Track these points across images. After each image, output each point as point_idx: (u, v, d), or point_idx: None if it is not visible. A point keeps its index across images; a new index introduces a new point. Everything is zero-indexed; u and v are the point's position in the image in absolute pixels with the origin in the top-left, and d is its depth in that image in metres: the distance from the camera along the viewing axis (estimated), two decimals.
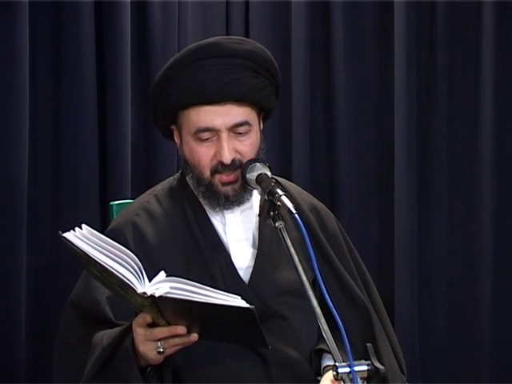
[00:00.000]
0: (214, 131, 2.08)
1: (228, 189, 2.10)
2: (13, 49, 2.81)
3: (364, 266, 2.29)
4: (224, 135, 2.07)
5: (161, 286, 1.79)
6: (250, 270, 2.12)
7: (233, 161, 2.08)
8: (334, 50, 3.26)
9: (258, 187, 2.06)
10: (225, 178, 2.09)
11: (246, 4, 3.24)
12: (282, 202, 1.92)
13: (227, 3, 3.22)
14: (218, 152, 2.08)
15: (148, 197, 2.23)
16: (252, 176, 2.07)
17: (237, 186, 2.10)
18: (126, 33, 2.97)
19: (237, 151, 2.09)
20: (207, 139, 2.09)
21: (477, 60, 3.25)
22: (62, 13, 2.94)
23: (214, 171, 2.09)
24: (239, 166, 2.08)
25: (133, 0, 3.02)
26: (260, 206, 2.18)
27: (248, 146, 2.10)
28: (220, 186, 2.10)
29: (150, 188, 2.29)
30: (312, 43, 3.28)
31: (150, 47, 3.05)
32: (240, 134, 2.09)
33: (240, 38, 2.20)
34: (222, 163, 2.08)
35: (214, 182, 2.10)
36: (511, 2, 3.24)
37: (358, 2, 3.29)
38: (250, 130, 2.11)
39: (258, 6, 3.24)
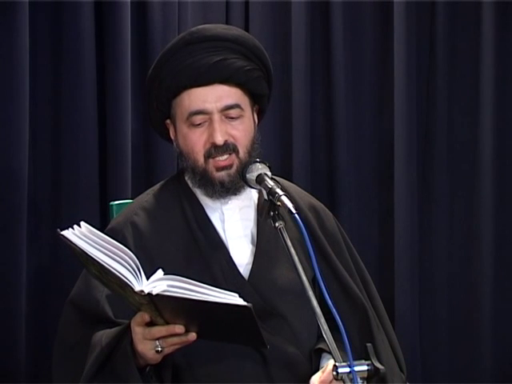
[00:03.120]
0: (206, 114, 2.10)
1: (223, 174, 2.11)
2: (13, 49, 2.81)
3: (363, 266, 2.29)
4: (216, 117, 2.09)
5: (158, 284, 1.79)
6: (250, 266, 2.13)
7: (225, 143, 2.09)
8: (334, 49, 3.26)
9: (258, 187, 2.06)
10: (219, 162, 2.10)
11: (246, 4, 3.25)
12: (281, 201, 1.93)
13: (227, 3, 3.22)
14: (211, 135, 2.09)
15: (147, 196, 2.23)
16: (252, 176, 2.07)
17: (232, 171, 2.11)
18: (126, 33, 2.97)
19: (230, 135, 2.11)
20: (200, 124, 2.11)
21: (477, 60, 3.25)
22: (62, 13, 2.94)
23: (208, 156, 2.11)
24: (233, 150, 2.10)
25: (133, 0, 3.03)
26: (260, 205, 2.19)
27: (241, 130, 2.12)
28: (215, 172, 2.11)
29: (149, 188, 2.29)
30: (312, 43, 3.28)
31: (150, 47, 3.05)
32: (232, 118, 2.11)
33: (229, 25, 2.25)
34: (214, 145, 2.09)
35: (208, 168, 2.11)
36: (511, 2, 3.24)
37: (357, 2, 3.29)
38: (242, 115, 2.13)
39: (258, 5, 3.24)
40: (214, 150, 2.10)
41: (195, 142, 2.12)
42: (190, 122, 2.11)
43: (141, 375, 1.93)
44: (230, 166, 2.11)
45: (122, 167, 2.99)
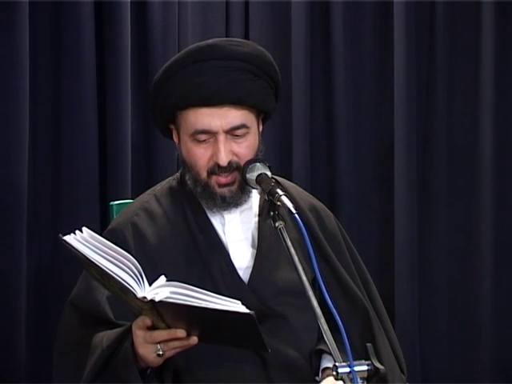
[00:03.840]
0: (211, 133, 2.07)
1: (224, 190, 2.10)
2: (13, 49, 2.81)
3: (364, 266, 2.28)
4: (221, 137, 2.07)
5: (161, 290, 1.79)
6: (250, 270, 2.12)
7: (229, 163, 2.08)
8: (334, 49, 3.26)
9: (258, 187, 2.06)
10: (222, 179, 2.09)
11: (246, 4, 3.25)
12: (282, 201, 1.92)
13: (227, 3, 3.23)
14: (215, 154, 2.08)
15: (147, 197, 2.23)
16: (252, 176, 2.07)
17: (234, 187, 2.10)
18: (126, 33, 2.97)
19: (234, 153, 2.08)
20: (204, 141, 2.09)
21: (477, 60, 3.25)
22: (62, 13, 2.94)
23: (211, 172, 2.09)
24: (236, 168, 2.08)
25: (133, 0, 3.03)
26: (260, 205, 2.19)
27: (245, 148, 2.09)
28: (216, 188, 2.10)
29: (149, 188, 2.29)
30: (312, 43, 3.28)
31: (150, 47, 3.05)
32: (237, 136, 2.09)
33: (240, 40, 2.19)
34: (218, 165, 2.08)
35: (210, 183, 2.10)
36: (511, 2, 3.24)
37: (358, 1, 3.29)
38: (247, 133, 2.10)
39: (257, 6, 3.24)
40: (218, 169, 2.08)
41: (199, 157, 2.10)
42: (195, 138, 2.09)
43: (141, 377, 1.93)
44: (232, 183, 2.10)
45: (122, 167, 2.99)
